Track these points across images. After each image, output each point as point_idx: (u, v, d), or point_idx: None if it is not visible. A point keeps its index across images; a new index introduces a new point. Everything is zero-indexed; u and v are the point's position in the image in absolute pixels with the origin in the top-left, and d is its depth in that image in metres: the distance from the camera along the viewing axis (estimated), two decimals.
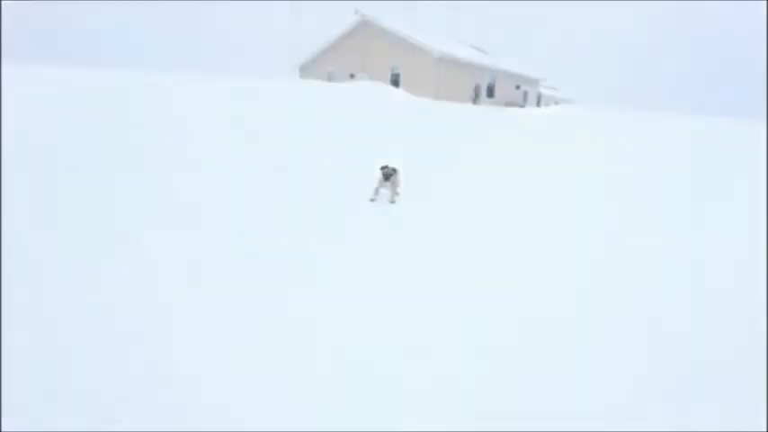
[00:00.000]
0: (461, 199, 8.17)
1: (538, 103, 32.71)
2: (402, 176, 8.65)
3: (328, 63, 28.34)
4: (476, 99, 26.32)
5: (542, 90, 35.42)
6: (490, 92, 27.52)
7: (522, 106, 27.13)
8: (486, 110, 16.79)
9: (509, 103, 27.56)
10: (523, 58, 32.27)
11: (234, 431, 3.42)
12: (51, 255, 5.39)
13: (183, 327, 4.54)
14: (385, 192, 8.55)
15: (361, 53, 26.33)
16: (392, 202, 8.19)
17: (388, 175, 8.29)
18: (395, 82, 25.00)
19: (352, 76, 26.00)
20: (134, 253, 5.62)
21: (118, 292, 4.88)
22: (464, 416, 3.75)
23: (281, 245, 5.80)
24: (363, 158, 9.61)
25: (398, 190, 8.56)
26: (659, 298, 5.39)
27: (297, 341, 4.53)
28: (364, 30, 25.91)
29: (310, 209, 7.08)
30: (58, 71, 11.33)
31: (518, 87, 30.30)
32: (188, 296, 4.90)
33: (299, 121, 11.22)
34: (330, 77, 27.09)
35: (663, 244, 6.59)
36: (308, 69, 29.81)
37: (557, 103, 29.60)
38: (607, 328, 4.83)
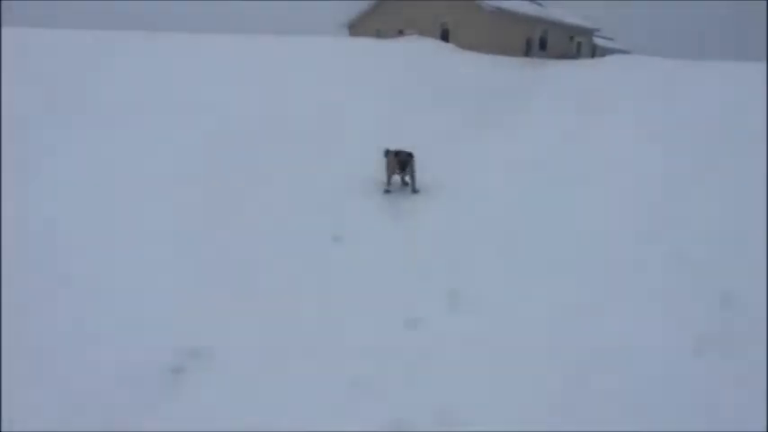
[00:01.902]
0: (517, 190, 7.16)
1: (592, 55, 31.68)
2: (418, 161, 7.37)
3: (376, 20, 28.02)
4: (528, 52, 25.70)
5: (597, 41, 34.21)
6: (543, 44, 26.79)
7: (575, 58, 26.35)
8: (538, 62, 16.36)
9: (562, 55, 26.80)
10: (577, 7, 31.11)
11: None
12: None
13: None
14: (401, 179, 7.30)
15: (410, 9, 25.90)
16: (415, 191, 7.07)
17: (405, 162, 6.95)
18: (444, 37, 24.59)
19: (400, 32, 25.68)
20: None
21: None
22: None
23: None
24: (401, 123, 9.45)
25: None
26: None
27: None
28: None
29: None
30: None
31: (571, 39, 29.37)
32: None
33: (328, 76, 11.14)
34: (379, 34, 26.84)
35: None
36: (357, 27, 29.54)
37: (612, 53, 28.56)
38: None
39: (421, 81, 11.61)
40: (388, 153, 7.02)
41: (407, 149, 7.24)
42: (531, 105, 10.29)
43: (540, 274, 5.08)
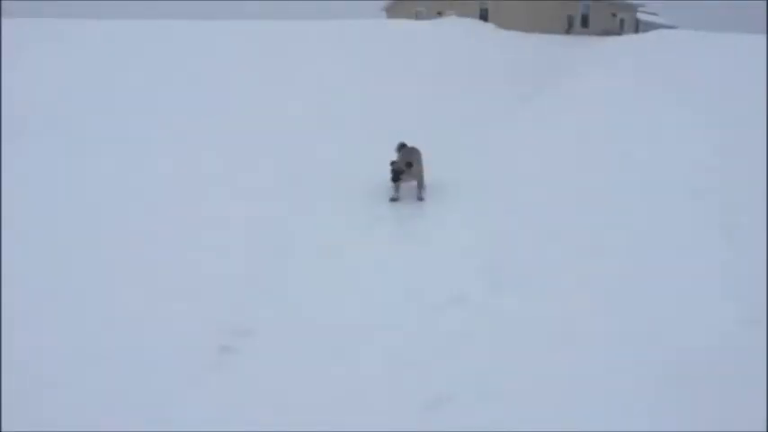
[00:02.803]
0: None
1: (636, 30, 30.90)
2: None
3: (415, 2, 27.89)
4: (569, 29, 25.22)
5: (640, 16, 33.35)
6: (584, 21, 26.26)
7: (618, 34, 25.74)
8: (579, 41, 16.05)
9: (605, 32, 26.21)
10: None
11: None
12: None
13: None
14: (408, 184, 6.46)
15: None
16: (420, 198, 6.32)
17: (397, 173, 6.13)
18: (483, 17, 24.32)
19: (439, 13, 25.49)
20: None
21: None
22: None
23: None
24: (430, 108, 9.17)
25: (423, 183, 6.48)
26: None
27: None
28: None
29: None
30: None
31: (614, 15, 28.71)
32: None
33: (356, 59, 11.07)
34: (418, 16, 26.69)
35: None
36: (395, 10, 29.45)
37: (657, 29, 27.82)
38: None
39: (460, 62, 11.51)
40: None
41: (412, 149, 6.67)
42: (576, 84, 10.11)
43: (585, 255, 5.05)
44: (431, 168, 6.67)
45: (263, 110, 8.51)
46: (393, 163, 6.20)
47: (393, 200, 6.30)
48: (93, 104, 8.35)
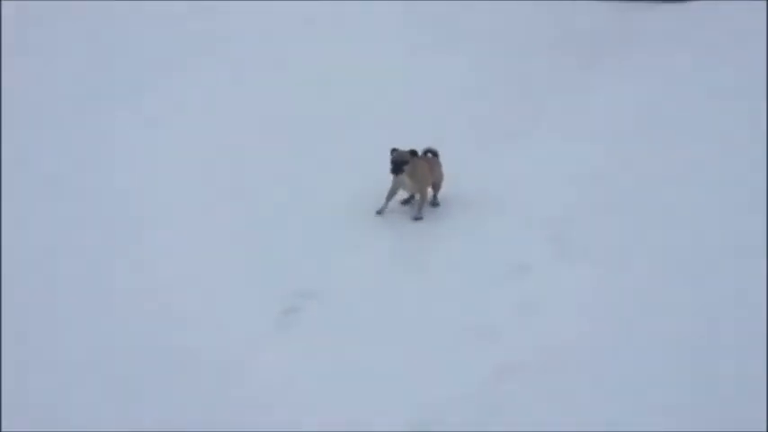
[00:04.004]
0: None
1: None
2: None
3: None
4: None
5: None
6: None
7: (683, 0, 24.57)
8: (640, 6, 15.15)
9: None
10: None
11: None
12: None
13: None
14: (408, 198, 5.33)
15: None
16: (416, 217, 5.14)
17: (401, 162, 4.95)
18: None
19: None
20: None
21: None
22: None
23: None
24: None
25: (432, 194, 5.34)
26: None
27: None
28: None
29: None
30: None
31: None
32: None
33: None
34: None
35: None
36: None
37: None
38: None
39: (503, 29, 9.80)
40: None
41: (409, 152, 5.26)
42: (636, 56, 9.26)
43: (650, 226, 4.95)
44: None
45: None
46: (394, 151, 5.07)
47: (380, 212, 5.22)
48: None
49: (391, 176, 5.03)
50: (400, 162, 4.95)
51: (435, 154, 5.40)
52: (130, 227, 4.95)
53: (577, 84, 7.52)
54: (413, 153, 5.03)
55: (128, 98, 6.64)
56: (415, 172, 5.04)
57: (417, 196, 5.19)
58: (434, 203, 5.35)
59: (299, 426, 3.29)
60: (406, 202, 5.34)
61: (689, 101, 7.29)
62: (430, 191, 5.30)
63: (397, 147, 5.06)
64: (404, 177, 5.00)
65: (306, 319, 4.12)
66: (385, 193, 5.20)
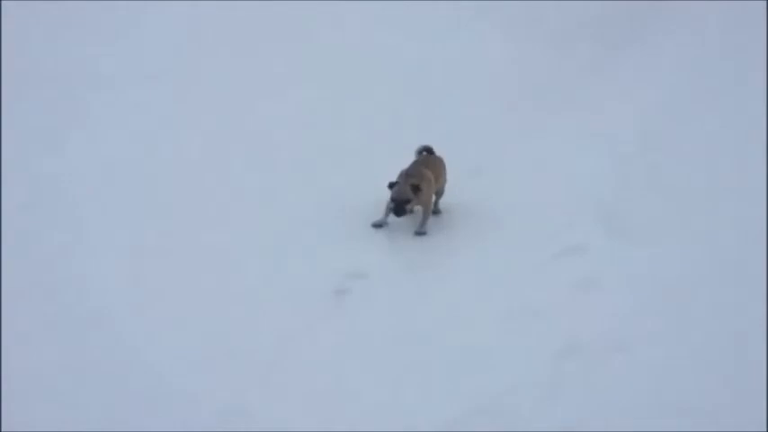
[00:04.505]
0: None
1: None
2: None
3: None
4: None
5: None
6: None
7: None
8: None
9: None
10: None
11: None
12: None
13: None
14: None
15: None
16: (419, 232, 4.66)
17: (403, 202, 4.46)
18: None
19: None
20: None
21: None
22: None
23: None
24: None
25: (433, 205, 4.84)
26: None
27: None
28: None
29: None
30: None
31: None
32: None
33: None
34: None
35: None
36: None
37: None
38: None
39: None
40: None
41: (428, 159, 4.87)
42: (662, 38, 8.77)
43: (694, 204, 4.85)
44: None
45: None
46: (392, 185, 4.48)
47: (378, 225, 4.71)
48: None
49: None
50: (403, 201, 4.44)
51: (430, 151, 4.86)
52: (194, 226, 4.78)
53: (606, 67, 7.21)
54: (415, 188, 4.45)
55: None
56: (417, 198, 4.53)
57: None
58: (435, 211, 4.85)
59: (363, 396, 3.31)
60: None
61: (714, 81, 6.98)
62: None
63: (394, 179, 4.56)
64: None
65: (357, 298, 4.12)
66: (383, 203, 4.69)
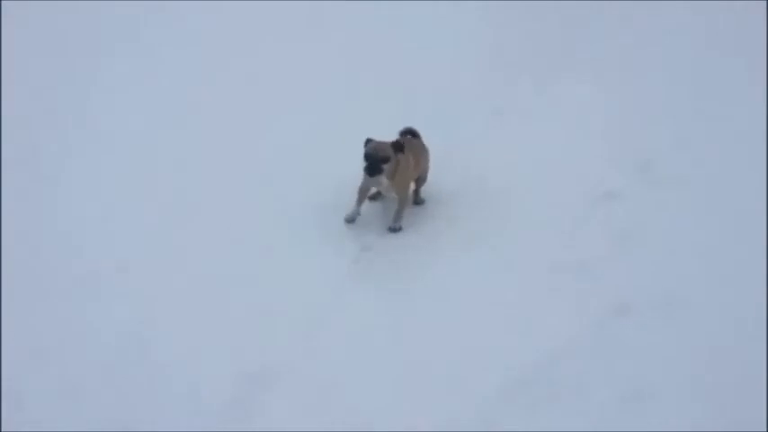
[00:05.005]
0: None
1: None
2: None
3: None
4: None
5: None
6: None
7: None
8: None
9: None
10: None
11: None
12: None
13: None
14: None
15: None
16: (394, 229, 3.89)
17: (379, 160, 3.67)
18: None
19: None
20: None
21: None
22: None
23: None
24: None
25: (414, 194, 4.13)
26: None
27: None
28: None
29: None
30: None
31: None
32: None
33: None
34: None
35: None
36: None
37: None
38: None
39: None
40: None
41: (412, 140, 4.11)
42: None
43: (741, 145, 4.50)
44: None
45: None
46: (369, 142, 3.76)
47: (350, 220, 3.95)
48: None
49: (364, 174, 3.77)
50: (379, 159, 3.67)
51: (415, 135, 4.16)
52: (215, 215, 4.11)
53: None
54: (397, 146, 3.75)
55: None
56: (396, 171, 3.77)
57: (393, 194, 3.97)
58: (417, 201, 4.15)
59: (392, 364, 3.07)
60: (374, 197, 4.10)
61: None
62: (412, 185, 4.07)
63: (372, 137, 3.78)
64: (381, 177, 3.75)
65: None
66: (354, 193, 3.93)
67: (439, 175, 4.24)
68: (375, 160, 3.68)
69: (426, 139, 4.20)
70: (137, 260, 3.59)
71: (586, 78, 5.24)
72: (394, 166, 3.73)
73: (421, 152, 4.10)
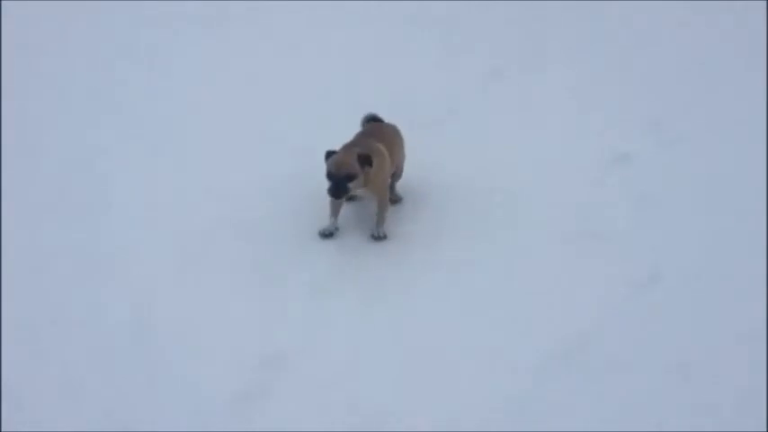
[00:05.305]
0: None
1: None
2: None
3: None
4: None
5: None
6: None
7: None
8: None
9: None
10: None
11: None
12: None
13: None
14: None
15: None
16: (378, 236, 3.36)
17: (344, 178, 3.15)
18: None
19: None
20: None
21: None
22: None
23: None
24: None
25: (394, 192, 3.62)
26: None
27: None
28: None
29: None
30: None
31: None
32: None
33: None
34: None
35: None
36: None
37: None
38: None
39: None
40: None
41: (382, 127, 3.65)
42: None
43: (737, 107, 4.40)
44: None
45: None
46: (330, 156, 3.23)
47: (326, 235, 3.38)
48: None
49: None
50: (343, 177, 3.12)
51: (378, 120, 3.67)
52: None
53: None
54: (363, 160, 3.17)
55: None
56: (369, 174, 3.24)
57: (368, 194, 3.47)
58: (394, 199, 3.59)
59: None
60: (350, 198, 3.51)
61: None
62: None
63: (332, 148, 3.32)
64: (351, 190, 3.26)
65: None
66: (326, 204, 3.40)
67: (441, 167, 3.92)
68: (339, 179, 3.12)
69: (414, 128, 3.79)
70: (136, 257, 3.34)
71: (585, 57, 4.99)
72: (364, 178, 3.20)
73: (394, 140, 3.54)
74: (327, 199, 3.32)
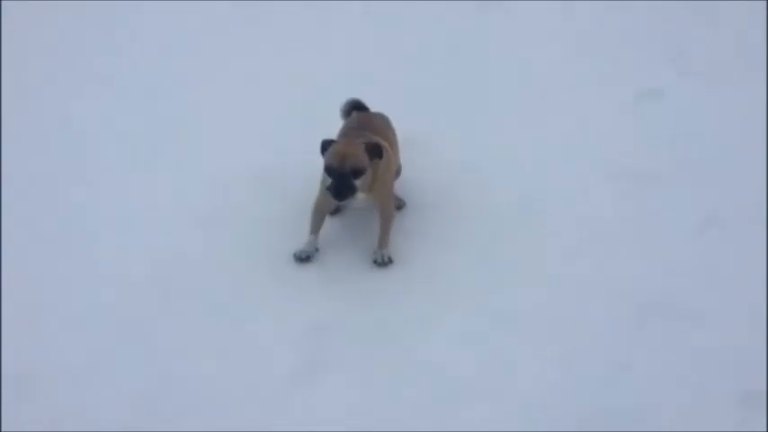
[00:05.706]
0: None
1: None
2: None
3: None
4: None
5: None
6: None
7: None
8: None
9: None
10: None
11: None
12: None
13: None
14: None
15: None
16: (382, 261, 2.62)
17: (347, 178, 2.44)
18: None
19: None
20: None
21: None
22: None
23: None
24: None
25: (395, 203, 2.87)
26: None
27: None
28: None
29: None
30: None
31: None
32: None
33: None
34: None
35: None
36: None
37: None
38: None
39: None
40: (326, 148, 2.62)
41: (373, 116, 3.03)
42: None
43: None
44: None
45: None
46: (327, 146, 2.57)
47: (303, 258, 2.67)
48: None
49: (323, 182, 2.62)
50: (348, 173, 2.42)
51: (362, 108, 3.01)
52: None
53: None
54: (373, 150, 2.49)
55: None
56: (374, 178, 2.55)
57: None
58: (397, 204, 2.89)
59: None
60: (335, 212, 2.84)
61: None
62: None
63: (329, 137, 2.69)
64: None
65: None
66: (306, 219, 2.71)
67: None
68: (343, 176, 2.40)
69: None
70: (136, 257, 3.07)
71: None
72: (371, 177, 2.51)
73: (388, 132, 2.84)
74: (307, 210, 2.69)
